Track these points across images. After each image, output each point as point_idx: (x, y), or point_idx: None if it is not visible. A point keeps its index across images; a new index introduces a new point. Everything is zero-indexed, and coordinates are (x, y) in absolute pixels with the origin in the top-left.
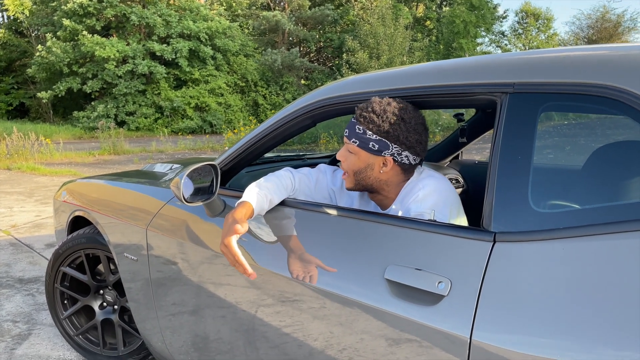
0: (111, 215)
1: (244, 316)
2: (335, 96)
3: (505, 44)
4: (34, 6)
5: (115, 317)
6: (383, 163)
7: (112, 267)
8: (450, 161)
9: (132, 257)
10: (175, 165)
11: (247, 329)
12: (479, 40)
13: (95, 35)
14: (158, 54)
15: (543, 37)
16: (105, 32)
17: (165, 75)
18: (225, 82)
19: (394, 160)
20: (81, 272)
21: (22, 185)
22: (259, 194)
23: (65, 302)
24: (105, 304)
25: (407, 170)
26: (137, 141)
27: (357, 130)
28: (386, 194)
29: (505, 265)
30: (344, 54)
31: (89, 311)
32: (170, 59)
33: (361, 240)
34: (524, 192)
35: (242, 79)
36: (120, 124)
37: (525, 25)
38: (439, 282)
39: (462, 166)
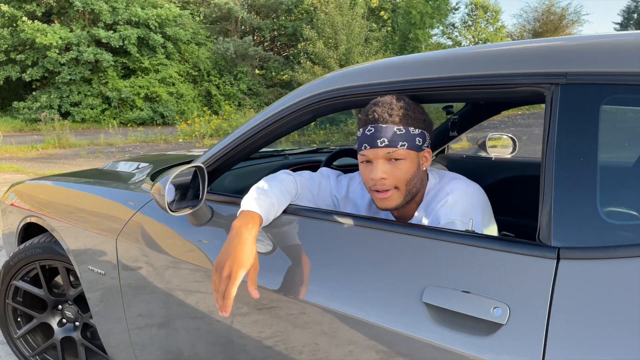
0: (72, 223)
1: (219, 328)
2: (343, 87)
3: (456, 36)
4: None
5: (77, 335)
6: (423, 158)
7: (72, 279)
8: (437, 155)
9: (99, 271)
10: (143, 164)
11: (224, 342)
12: (433, 31)
13: (35, 21)
14: (104, 41)
15: (492, 29)
16: (47, 18)
17: (113, 64)
18: (176, 72)
19: (430, 151)
20: (36, 285)
21: None
22: (265, 201)
23: (19, 319)
24: (64, 320)
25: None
26: (84, 133)
27: (399, 132)
28: (417, 199)
29: (577, 288)
30: (301, 43)
31: (46, 329)
32: (117, 47)
33: (390, 256)
34: (591, 200)
35: (194, 68)
36: (65, 115)
37: (474, 17)
38: (494, 308)
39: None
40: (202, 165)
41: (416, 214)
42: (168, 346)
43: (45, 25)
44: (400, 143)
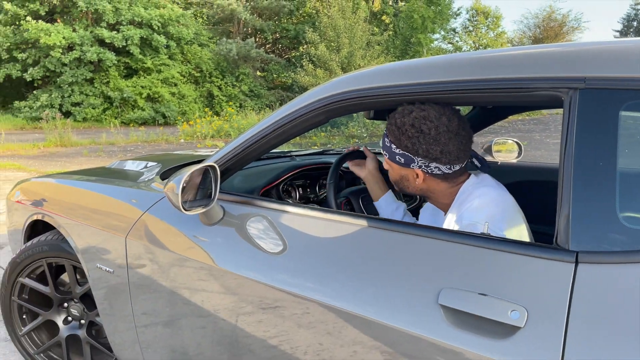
0: (81, 221)
1: (224, 327)
2: (357, 89)
3: (457, 41)
4: None
5: (82, 333)
6: (416, 175)
7: (78, 277)
8: None
9: (107, 269)
10: (151, 163)
11: (230, 341)
12: (435, 36)
13: (39, 21)
14: (107, 41)
15: (492, 35)
16: (49, 17)
17: (116, 63)
18: (179, 72)
19: (424, 172)
20: (42, 283)
21: None
22: None
23: (24, 316)
24: (70, 318)
25: (450, 178)
26: (85, 132)
27: (386, 143)
28: (436, 200)
29: (596, 293)
30: (304, 46)
31: (51, 326)
32: (120, 47)
33: (405, 258)
34: (610, 204)
35: (197, 69)
36: (66, 114)
37: (475, 22)
38: (512, 311)
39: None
40: (214, 165)
41: (449, 213)
42: (174, 345)
43: (49, 25)
44: (384, 152)
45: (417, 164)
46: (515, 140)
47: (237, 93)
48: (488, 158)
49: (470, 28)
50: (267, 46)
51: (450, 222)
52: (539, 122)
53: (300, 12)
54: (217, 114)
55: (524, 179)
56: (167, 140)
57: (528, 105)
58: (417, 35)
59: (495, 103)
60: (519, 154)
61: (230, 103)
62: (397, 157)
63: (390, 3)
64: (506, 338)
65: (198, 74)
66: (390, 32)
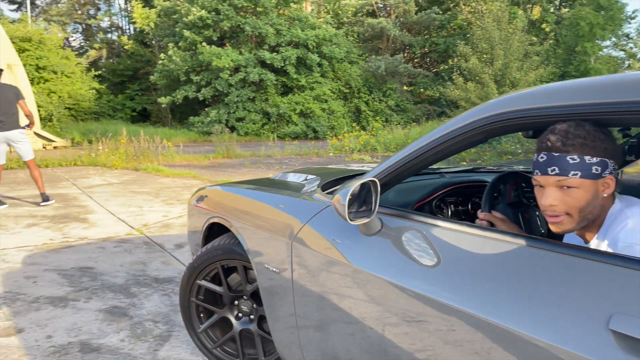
0: (253, 226)
1: (373, 335)
2: (521, 109)
3: (630, 47)
4: (158, 18)
5: (254, 327)
6: (604, 185)
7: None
8: None
9: (274, 269)
10: (311, 176)
11: (378, 350)
12: (604, 43)
13: (212, 45)
14: (268, 62)
15: None
16: (220, 42)
17: (274, 82)
18: (329, 89)
19: (614, 177)
20: (216, 283)
21: (149, 186)
22: None
23: (201, 315)
24: (240, 314)
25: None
26: (246, 145)
27: (571, 162)
28: (598, 222)
29: None
30: (454, 59)
31: (223, 323)
32: (279, 67)
33: (568, 279)
34: None
35: (346, 86)
36: (231, 129)
37: None
38: None
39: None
40: (375, 180)
41: (596, 237)
42: (325, 348)
43: (219, 49)
44: (572, 172)
45: (610, 168)
46: None
47: (384, 108)
48: None
49: None
50: (415, 60)
51: (600, 245)
52: None
53: (451, 24)
54: (364, 129)
55: None
56: (317, 154)
57: None
58: (582, 44)
59: None
60: None
61: (377, 118)
62: (593, 168)
63: (552, 10)
64: None
65: (347, 90)
66: (551, 41)
